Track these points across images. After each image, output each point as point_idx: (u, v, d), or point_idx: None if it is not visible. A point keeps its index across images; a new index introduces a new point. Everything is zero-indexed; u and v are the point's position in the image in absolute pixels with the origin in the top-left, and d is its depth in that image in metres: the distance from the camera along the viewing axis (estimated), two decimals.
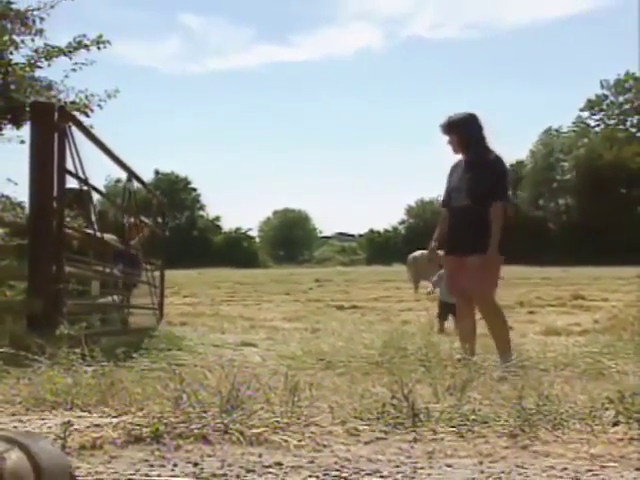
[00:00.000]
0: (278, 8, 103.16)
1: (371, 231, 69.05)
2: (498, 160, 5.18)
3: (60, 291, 4.78)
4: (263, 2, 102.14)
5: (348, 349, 5.20)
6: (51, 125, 4.80)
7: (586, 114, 63.56)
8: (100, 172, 5.13)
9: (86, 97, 10.16)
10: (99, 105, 10.25)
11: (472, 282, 5.03)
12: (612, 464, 2.18)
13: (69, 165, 4.89)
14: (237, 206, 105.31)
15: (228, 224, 69.38)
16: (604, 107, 62.92)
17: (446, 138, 5.26)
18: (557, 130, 63.14)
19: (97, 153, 5.46)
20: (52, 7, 9.83)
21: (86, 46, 10.07)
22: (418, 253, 18.67)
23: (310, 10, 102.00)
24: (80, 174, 5.03)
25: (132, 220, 7.34)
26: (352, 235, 76.57)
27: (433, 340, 5.33)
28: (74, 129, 5.00)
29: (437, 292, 8.64)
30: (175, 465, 2.19)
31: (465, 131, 5.18)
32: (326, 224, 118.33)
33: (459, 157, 5.31)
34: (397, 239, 63.60)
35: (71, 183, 5.10)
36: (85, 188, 5.26)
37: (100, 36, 10.10)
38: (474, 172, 5.12)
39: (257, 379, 3.11)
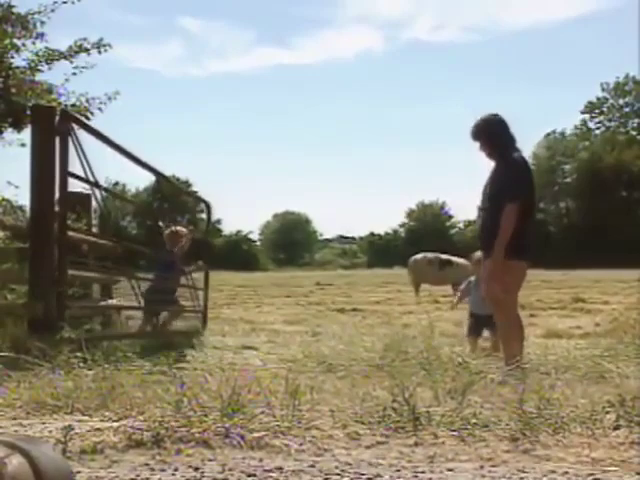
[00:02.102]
0: (278, 11, 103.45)
1: (372, 234, 69.10)
2: (517, 161, 5.04)
3: (62, 294, 4.79)
4: (263, 5, 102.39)
5: (349, 352, 5.19)
6: (52, 128, 4.81)
7: (588, 117, 63.75)
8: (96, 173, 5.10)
9: (86, 100, 10.19)
10: (99, 108, 10.29)
11: (485, 287, 5.03)
12: (613, 468, 2.17)
13: (78, 168, 4.90)
14: (237, 209, 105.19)
15: (228, 227, 69.34)
16: (604, 110, 63.00)
17: (477, 144, 5.15)
18: (561, 133, 63.26)
19: (95, 154, 5.44)
20: (53, 11, 9.88)
21: (87, 50, 10.12)
22: (419, 256, 18.68)
23: (310, 13, 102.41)
24: (89, 177, 5.03)
25: (172, 227, 7.39)
26: (353, 238, 76.59)
27: (434, 343, 5.32)
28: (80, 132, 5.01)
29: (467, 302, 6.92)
30: (176, 469, 2.18)
31: (489, 135, 5.08)
32: (327, 227, 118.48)
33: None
34: (398, 242, 63.61)
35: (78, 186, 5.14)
36: (91, 191, 5.28)
37: (101, 40, 10.14)
38: (495, 175, 5.05)
39: (258, 383, 3.11)
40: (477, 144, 5.16)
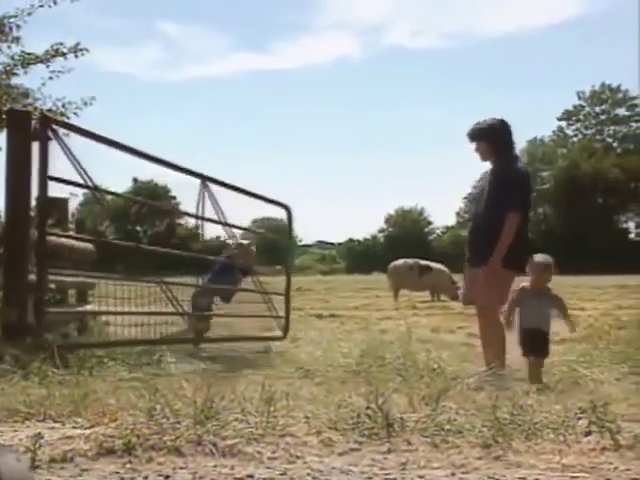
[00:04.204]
0: (256, 16, 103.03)
1: (350, 240, 69.08)
2: (520, 171, 5.10)
3: (40, 301, 4.74)
4: (241, 10, 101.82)
5: (326, 358, 5.19)
6: (27, 133, 4.77)
7: (565, 123, 64.36)
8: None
9: (63, 105, 10.13)
10: (75, 113, 10.22)
11: (477, 294, 5.05)
12: (583, 474, 2.19)
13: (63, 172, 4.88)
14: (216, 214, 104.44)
15: (208, 232, 68.82)
16: (581, 117, 63.62)
17: (473, 145, 5.16)
18: (541, 140, 63.73)
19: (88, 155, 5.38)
20: (29, 14, 9.82)
21: (63, 54, 10.05)
22: (399, 262, 18.73)
23: (289, 18, 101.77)
24: (87, 179, 5.00)
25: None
26: (332, 243, 76.54)
27: (411, 349, 5.34)
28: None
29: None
30: (146, 477, 2.16)
31: (493, 139, 5.08)
32: (306, 232, 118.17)
33: (488, 165, 5.20)
34: (377, 248, 63.65)
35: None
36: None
37: (78, 44, 10.08)
38: (496, 182, 5.03)
39: (233, 389, 3.09)
40: (473, 145, 5.16)
